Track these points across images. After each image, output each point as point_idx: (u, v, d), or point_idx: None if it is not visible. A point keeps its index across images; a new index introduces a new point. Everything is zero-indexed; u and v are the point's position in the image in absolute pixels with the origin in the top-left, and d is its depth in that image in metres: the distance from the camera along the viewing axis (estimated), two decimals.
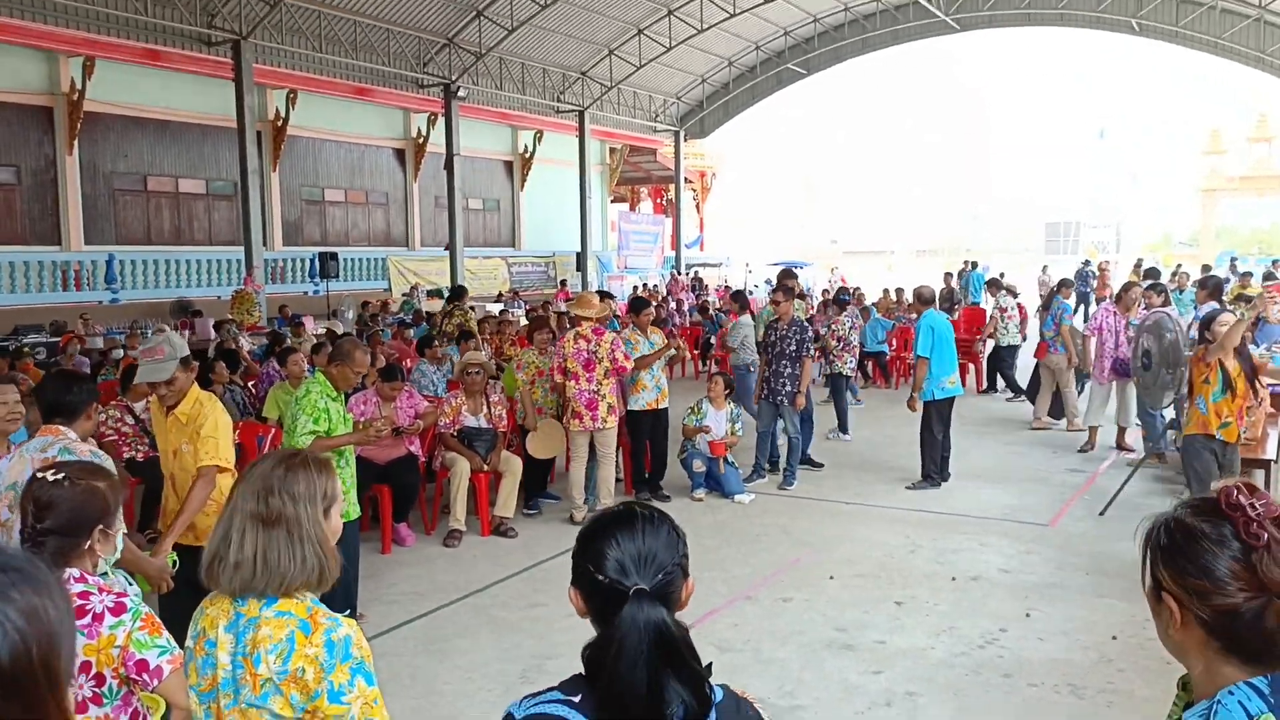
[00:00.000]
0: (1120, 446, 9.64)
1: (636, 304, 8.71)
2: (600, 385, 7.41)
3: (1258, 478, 6.52)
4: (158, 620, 2.34)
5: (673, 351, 8.44)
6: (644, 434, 8.19)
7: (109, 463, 3.65)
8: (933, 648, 5.05)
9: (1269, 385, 7.67)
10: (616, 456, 8.23)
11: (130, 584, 2.77)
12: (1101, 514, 7.38)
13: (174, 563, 3.89)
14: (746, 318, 10.76)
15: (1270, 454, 6.75)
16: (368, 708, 1.94)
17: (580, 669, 1.50)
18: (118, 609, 2.28)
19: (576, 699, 1.47)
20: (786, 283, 9.66)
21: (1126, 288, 10.01)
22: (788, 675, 4.75)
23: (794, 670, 4.81)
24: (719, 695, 1.50)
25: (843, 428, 10.63)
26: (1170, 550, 1.37)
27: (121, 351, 11.92)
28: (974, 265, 26.16)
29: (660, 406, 8.15)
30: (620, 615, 1.42)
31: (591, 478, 7.79)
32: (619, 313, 12.52)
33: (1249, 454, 6.78)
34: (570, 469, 7.68)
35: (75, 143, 18.66)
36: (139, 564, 3.61)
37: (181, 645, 2.34)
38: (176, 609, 4.30)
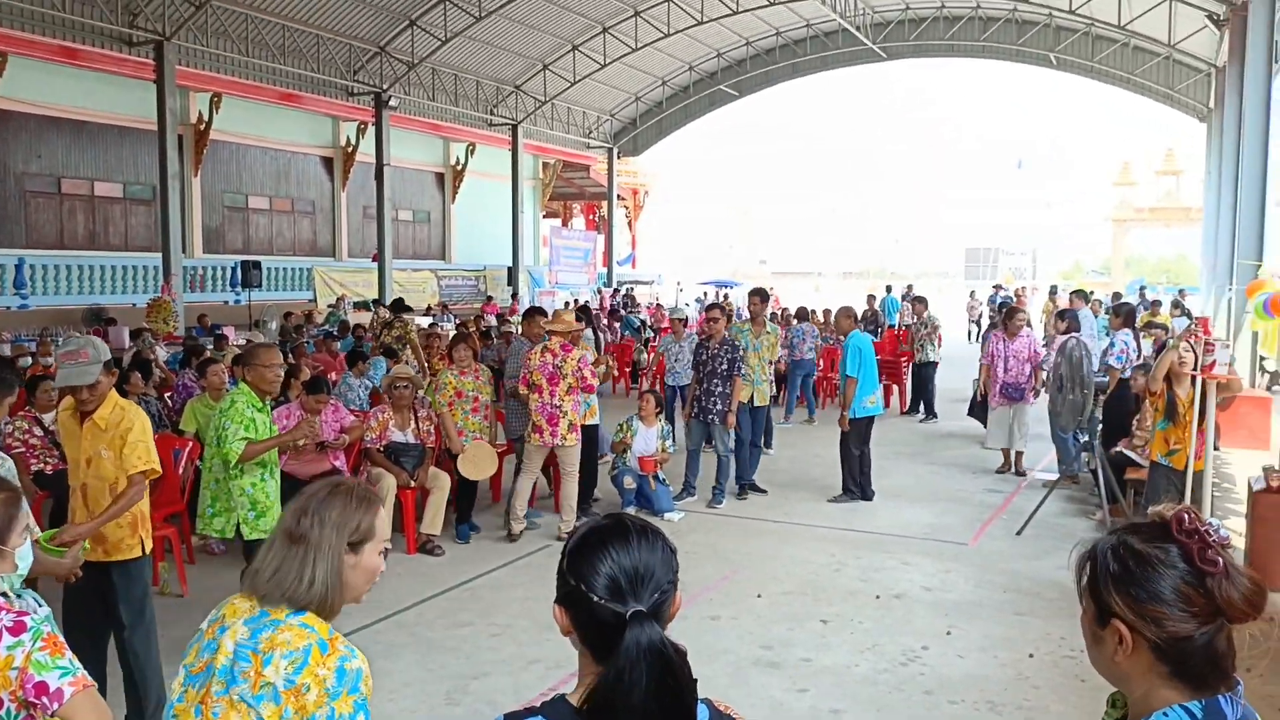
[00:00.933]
0: (1017, 470, 9.81)
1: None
2: (562, 401, 7.37)
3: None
4: (61, 641, 2.23)
5: (603, 368, 8.43)
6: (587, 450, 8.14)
7: (9, 466, 3.50)
8: (857, 665, 5.12)
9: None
10: (547, 474, 8.18)
11: (40, 605, 2.64)
12: (1018, 534, 7.58)
13: (85, 549, 3.77)
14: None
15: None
16: None
17: (516, 683, 1.48)
18: (17, 629, 2.17)
19: None
20: (754, 300, 9.59)
21: (1010, 314, 10.23)
22: (715, 693, 4.70)
23: (721, 688, 4.82)
24: (705, 715, 1.46)
25: (766, 443, 10.72)
26: (1123, 577, 1.36)
27: (30, 360, 11.44)
28: (889, 289, 26.95)
29: (589, 423, 8.12)
30: (624, 644, 1.34)
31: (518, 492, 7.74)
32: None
33: None
34: (517, 481, 7.59)
35: None
36: (46, 568, 3.50)
37: (85, 664, 2.24)
38: (83, 622, 4.18)
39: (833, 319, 9.99)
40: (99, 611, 4.27)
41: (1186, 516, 1.35)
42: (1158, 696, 1.35)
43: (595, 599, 1.39)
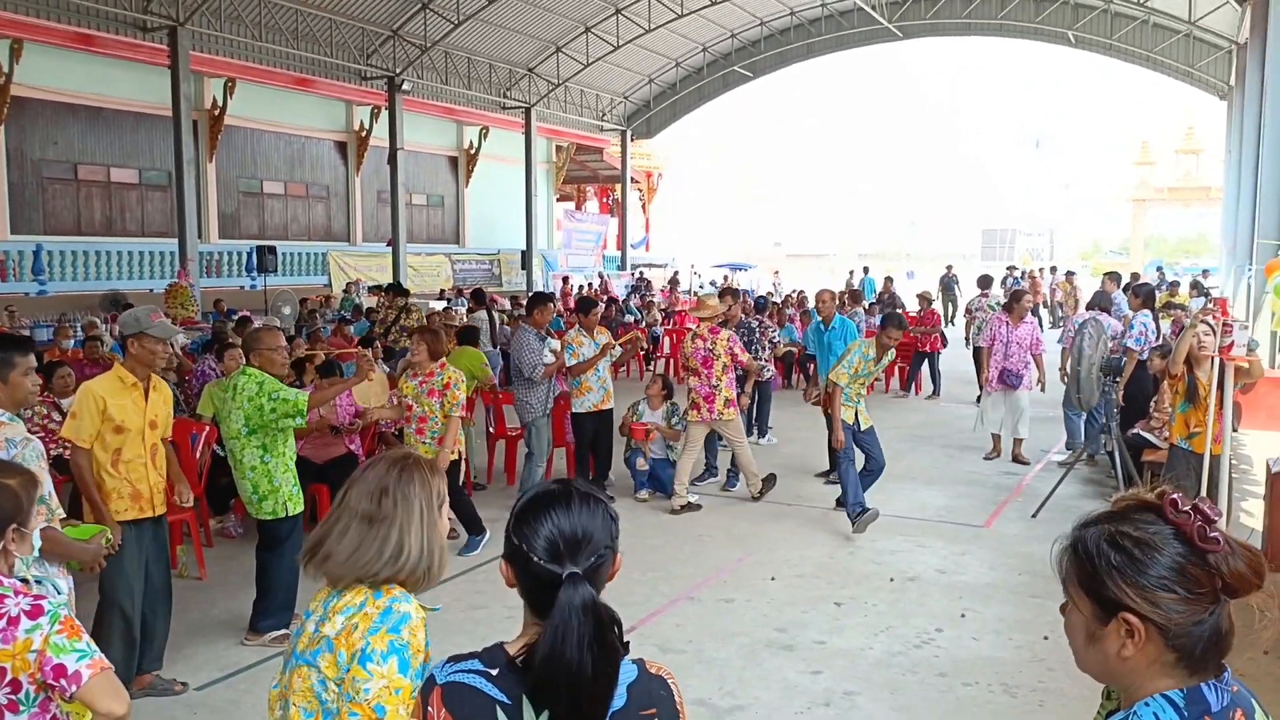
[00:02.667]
0: (1015, 458, 9.49)
1: (584, 304, 8.66)
2: (719, 380, 7.80)
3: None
4: (78, 624, 2.25)
5: (615, 352, 8.44)
6: (588, 435, 8.17)
7: (35, 445, 3.53)
8: (871, 647, 5.13)
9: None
10: (554, 455, 8.21)
11: (59, 593, 2.68)
12: (1034, 516, 7.55)
13: (108, 542, 3.90)
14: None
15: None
16: (387, 691, 1.80)
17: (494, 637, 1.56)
18: (34, 612, 2.19)
19: (494, 672, 1.50)
20: (889, 333, 7.43)
21: (1016, 296, 9.88)
22: (729, 675, 4.77)
23: (735, 670, 4.84)
24: (633, 674, 1.53)
25: (762, 432, 10.67)
26: (1128, 566, 1.32)
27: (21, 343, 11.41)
28: (866, 270, 27.20)
29: (605, 408, 8.15)
30: (558, 602, 1.44)
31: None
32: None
33: None
34: (681, 460, 7.94)
35: (2, 128, 18.01)
36: (71, 551, 3.59)
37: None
38: (127, 578, 4.41)
39: (815, 303, 9.79)
40: (137, 566, 4.50)
41: (1178, 498, 1.33)
42: (1154, 687, 1.33)
43: (534, 559, 1.50)
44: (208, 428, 7.19)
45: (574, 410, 8.09)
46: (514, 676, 1.49)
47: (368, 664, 1.82)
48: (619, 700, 1.50)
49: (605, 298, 22.47)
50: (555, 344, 7.98)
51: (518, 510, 1.56)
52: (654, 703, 1.54)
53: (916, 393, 14.00)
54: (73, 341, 11.94)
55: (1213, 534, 1.30)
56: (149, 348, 4.46)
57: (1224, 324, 5.76)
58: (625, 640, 1.51)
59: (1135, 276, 22.63)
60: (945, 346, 13.98)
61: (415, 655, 1.87)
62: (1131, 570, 1.32)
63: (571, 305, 19.76)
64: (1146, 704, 1.32)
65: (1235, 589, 1.30)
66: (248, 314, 14.20)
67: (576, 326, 8.36)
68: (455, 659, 1.55)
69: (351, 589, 1.95)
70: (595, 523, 1.54)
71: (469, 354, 9.89)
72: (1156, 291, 13.39)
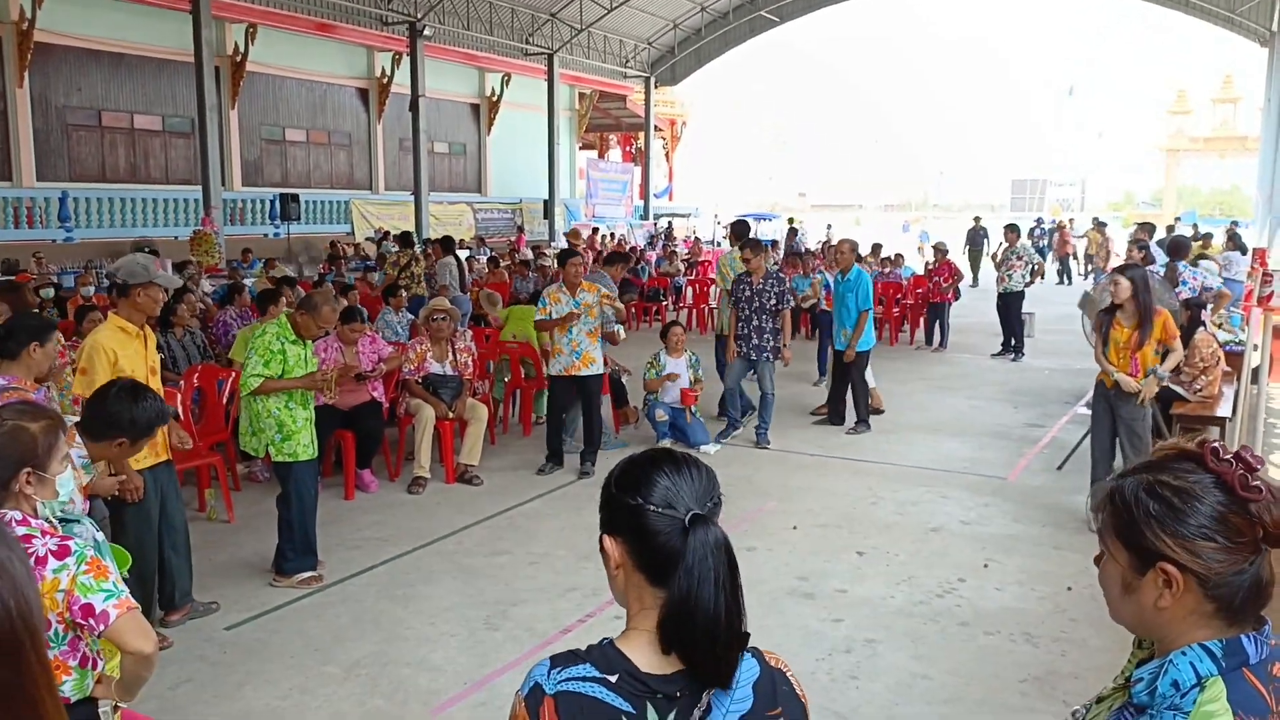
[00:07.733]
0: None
1: (562, 256, 7.94)
2: None
3: (1213, 435, 6.63)
4: (104, 564, 2.30)
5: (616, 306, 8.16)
6: (559, 400, 7.58)
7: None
8: (892, 596, 5.14)
9: (1225, 344, 7.80)
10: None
11: (98, 530, 2.73)
12: (1059, 468, 7.51)
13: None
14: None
15: (1225, 412, 6.88)
16: None
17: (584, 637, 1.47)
18: (61, 552, 2.23)
19: (613, 679, 1.35)
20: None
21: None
22: (750, 623, 4.76)
23: (756, 618, 4.83)
24: (755, 670, 1.41)
25: None
26: (1168, 515, 1.31)
27: (51, 292, 11.45)
28: (829, 226, 27.94)
29: (581, 373, 7.35)
30: (690, 544, 1.32)
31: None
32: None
33: (1205, 411, 6.91)
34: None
35: (25, 75, 18.00)
36: (101, 488, 3.85)
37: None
38: (150, 522, 4.53)
39: (834, 252, 9.54)
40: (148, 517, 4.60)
41: (1220, 446, 1.30)
42: (1192, 637, 1.31)
43: (652, 508, 1.36)
44: (234, 373, 7.24)
45: (547, 372, 7.79)
46: (635, 683, 1.34)
47: None
48: (745, 702, 1.37)
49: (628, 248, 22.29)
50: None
51: (618, 474, 1.43)
52: (779, 701, 1.41)
53: (943, 345, 13.87)
54: (92, 288, 11.93)
55: (1255, 482, 1.27)
56: (154, 296, 4.53)
57: (1264, 274, 5.64)
58: (745, 633, 1.39)
59: (1170, 229, 22.18)
60: (958, 299, 13.88)
61: None
62: (1171, 519, 1.30)
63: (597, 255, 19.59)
64: (1183, 653, 1.30)
65: (1277, 539, 1.28)
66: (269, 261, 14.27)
67: (559, 281, 7.59)
68: (559, 662, 1.38)
69: None
70: (702, 474, 1.42)
71: (526, 312, 9.90)
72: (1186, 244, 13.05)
